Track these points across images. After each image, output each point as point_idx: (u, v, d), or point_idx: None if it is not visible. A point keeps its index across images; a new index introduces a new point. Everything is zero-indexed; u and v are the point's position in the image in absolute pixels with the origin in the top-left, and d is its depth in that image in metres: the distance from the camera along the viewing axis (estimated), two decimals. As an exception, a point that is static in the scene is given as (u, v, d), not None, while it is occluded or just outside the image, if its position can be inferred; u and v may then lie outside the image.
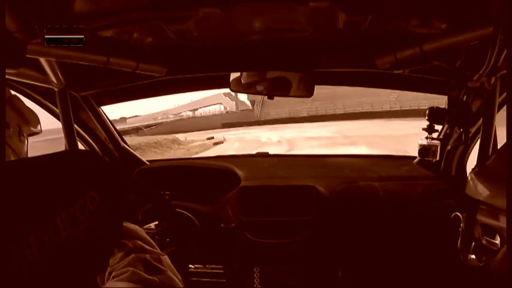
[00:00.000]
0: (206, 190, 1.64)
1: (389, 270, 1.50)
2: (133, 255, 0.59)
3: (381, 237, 1.51)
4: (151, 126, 30.99)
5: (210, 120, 31.49)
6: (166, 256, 0.63)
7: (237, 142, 18.84)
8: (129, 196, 0.83)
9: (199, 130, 26.95)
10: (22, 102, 0.71)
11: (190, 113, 36.15)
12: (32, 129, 0.70)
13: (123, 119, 39.71)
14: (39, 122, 0.71)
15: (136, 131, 29.49)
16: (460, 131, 1.29)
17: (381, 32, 1.02)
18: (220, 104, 34.63)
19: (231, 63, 1.24)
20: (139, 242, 0.62)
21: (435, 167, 1.51)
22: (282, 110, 30.93)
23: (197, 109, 36.32)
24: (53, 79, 1.11)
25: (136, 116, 39.94)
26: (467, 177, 0.88)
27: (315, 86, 1.28)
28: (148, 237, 0.67)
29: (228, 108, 34.48)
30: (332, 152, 4.04)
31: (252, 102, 32.91)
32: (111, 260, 0.59)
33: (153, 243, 0.65)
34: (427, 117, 1.31)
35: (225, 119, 31.43)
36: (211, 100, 34.92)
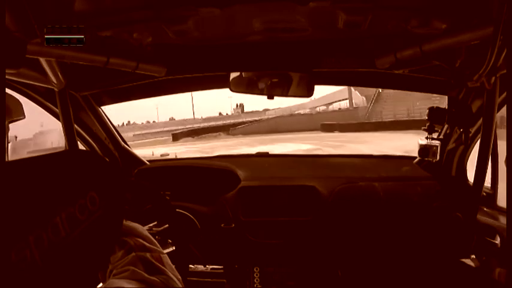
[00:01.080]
0: (206, 190, 1.64)
1: (389, 270, 1.50)
2: (134, 253, 0.59)
3: (381, 237, 1.51)
4: (245, 123, 26.79)
5: (315, 119, 25.39)
6: (166, 255, 0.63)
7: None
8: (125, 195, 0.83)
9: (294, 131, 21.83)
10: (4, 91, 0.70)
11: (323, 107, 33.03)
12: (14, 118, 0.69)
13: (265, 110, 40.58)
14: (22, 110, 0.70)
15: (227, 128, 25.21)
16: (460, 131, 1.29)
17: (381, 32, 1.02)
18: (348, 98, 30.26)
19: (231, 63, 1.23)
20: (140, 240, 0.62)
21: (435, 168, 1.51)
22: (398, 109, 22.23)
23: (331, 103, 32.17)
24: (53, 79, 1.11)
25: (278, 108, 39.17)
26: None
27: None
28: (149, 235, 0.66)
29: (357, 104, 28.63)
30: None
31: (366, 97, 25.36)
32: (112, 258, 0.59)
33: (154, 241, 0.65)
34: (427, 117, 1.31)
35: (330, 119, 24.47)
36: (340, 95, 29.79)
